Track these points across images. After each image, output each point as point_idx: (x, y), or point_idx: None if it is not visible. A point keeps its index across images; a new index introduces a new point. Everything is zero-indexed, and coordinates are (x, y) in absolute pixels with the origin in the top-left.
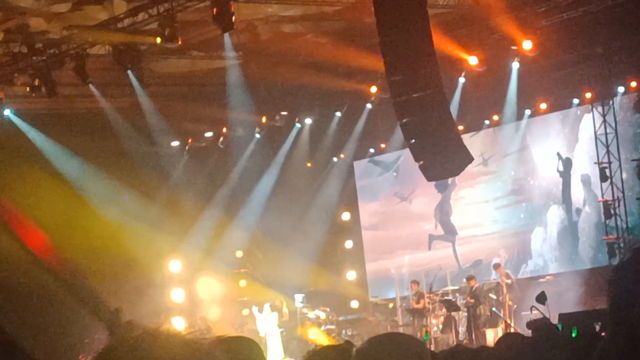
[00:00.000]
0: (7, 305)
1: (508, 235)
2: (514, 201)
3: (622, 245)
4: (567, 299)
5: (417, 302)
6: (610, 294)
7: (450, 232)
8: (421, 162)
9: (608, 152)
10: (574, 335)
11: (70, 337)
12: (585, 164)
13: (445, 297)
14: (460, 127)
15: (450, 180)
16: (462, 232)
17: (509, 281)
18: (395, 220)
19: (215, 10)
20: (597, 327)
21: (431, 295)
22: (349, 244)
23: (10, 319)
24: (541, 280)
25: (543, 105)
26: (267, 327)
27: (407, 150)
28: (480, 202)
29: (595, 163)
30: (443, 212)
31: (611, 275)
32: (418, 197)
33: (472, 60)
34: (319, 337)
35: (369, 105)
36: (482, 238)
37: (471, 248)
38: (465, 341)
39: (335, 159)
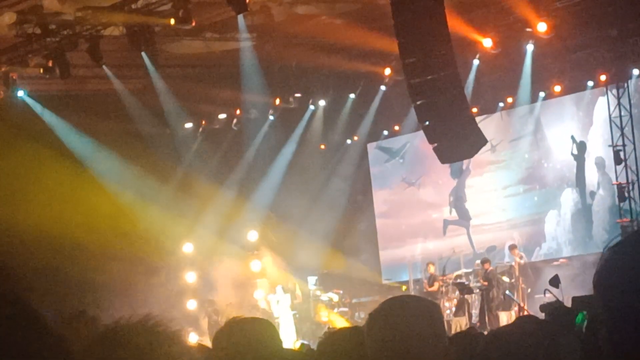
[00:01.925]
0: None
1: (522, 222)
2: (528, 188)
3: (635, 228)
4: (580, 282)
5: (431, 285)
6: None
7: (464, 218)
8: (435, 145)
9: (622, 134)
10: (579, 320)
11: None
12: (599, 146)
13: (459, 280)
14: (475, 110)
15: (465, 166)
16: (476, 220)
17: (522, 261)
18: (405, 207)
19: None
20: None
21: (444, 278)
22: (362, 226)
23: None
24: (555, 263)
25: (557, 88)
26: (279, 309)
27: (414, 138)
28: (493, 189)
29: (610, 146)
30: (457, 198)
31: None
32: (426, 183)
33: (487, 43)
34: (332, 320)
35: (382, 87)
36: (495, 225)
37: (485, 235)
38: (478, 324)
39: (349, 141)
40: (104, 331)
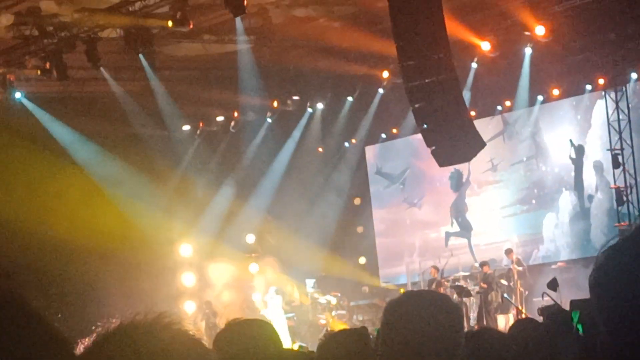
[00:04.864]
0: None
1: (519, 242)
2: (525, 208)
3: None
4: (578, 286)
5: (437, 289)
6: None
7: (466, 229)
8: (433, 148)
9: (621, 138)
10: (575, 319)
11: (84, 319)
12: (597, 150)
13: (457, 283)
14: (473, 113)
15: (464, 178)
16: (473, 239)
17: (520, 268)
18: (404, 227)
19: None
20: None
21: (442, 281)
22: (360, 229)
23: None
24: (553, 266)
25: (555, 92)
26: (271, 310)
27: (414, 164)
28: (490, 209)
29: (608, 150)
30: (458, 210)
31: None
32: (427, 203)
33: (485, 46)
34: (330, 322)
35: (380, 90)
36: (493, 245)
37: (482, 255)
38: (475, 327)
39: (346, 144)
40: (120, 327)
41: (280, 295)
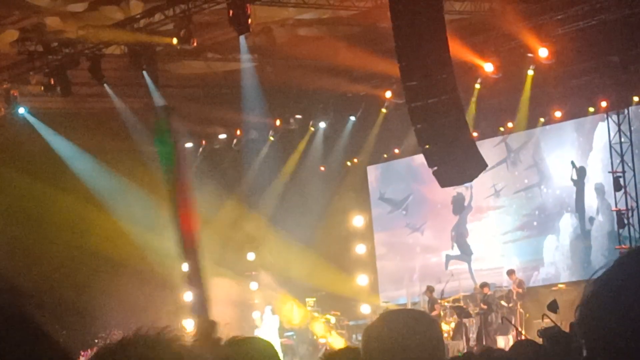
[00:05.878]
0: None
1: (520, 268)
2: (527, 234)
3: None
4: None
5: (432, 310)
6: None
7: (466, 252)
8: (435, 168)
9: (622, 161)
10: None
11: (88, 330)
12: (599, 173)
13: (457, 304)
14: (475, 134)
15: (466, 202)
16: (474, 265)
17: (520, 290)
18: (405, 251)
19: (231, 12)
20: None
21: (442, 301)
22: (361, 248)
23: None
24: (553, 288)
25: (558, 114)
26: (266, 330)
27: (416, 189)
28: (492, 234)
29: (610, 172)
30: (459, 234)
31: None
32: (429, 228)
33: (488, 67)
34: (330, 341)
35: (383, 110)
36: (494, 271)
37: (482, 279)
38: (475, 348)
39: (348, 164)
40: (122, 341)
41: (277, 314)
